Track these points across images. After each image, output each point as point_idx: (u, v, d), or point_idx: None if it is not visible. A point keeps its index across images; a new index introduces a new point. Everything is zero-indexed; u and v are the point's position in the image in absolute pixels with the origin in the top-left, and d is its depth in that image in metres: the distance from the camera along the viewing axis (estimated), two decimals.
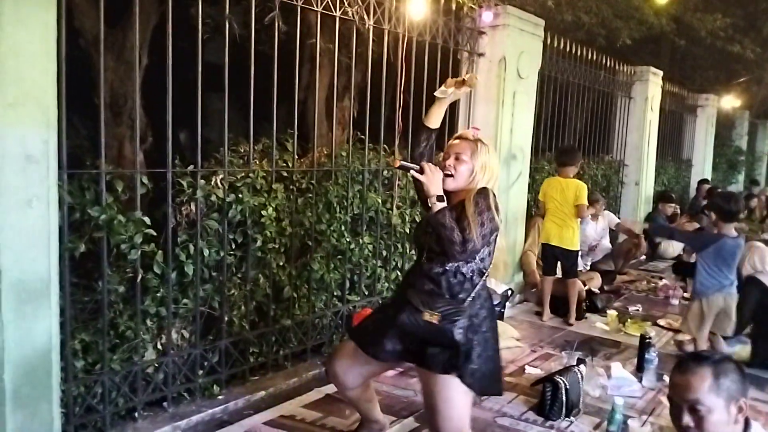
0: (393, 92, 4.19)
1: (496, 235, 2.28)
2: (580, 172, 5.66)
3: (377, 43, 3.96)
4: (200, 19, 2.95)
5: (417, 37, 4.22)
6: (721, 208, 4.14)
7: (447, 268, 2.25)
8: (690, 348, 4.17)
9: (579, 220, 4.95)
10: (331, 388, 3.42)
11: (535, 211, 5.85)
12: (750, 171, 14.67)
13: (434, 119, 2.42)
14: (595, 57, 6.59)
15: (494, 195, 2.28)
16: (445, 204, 2.22)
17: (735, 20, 8.10)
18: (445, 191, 2.27)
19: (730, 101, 10.90)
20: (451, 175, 2.30)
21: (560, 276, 5.08)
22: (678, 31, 8.14)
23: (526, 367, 3.96)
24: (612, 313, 5.15)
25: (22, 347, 2.24)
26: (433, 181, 2.24)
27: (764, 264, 4.22)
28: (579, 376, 3.43)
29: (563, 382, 3.28)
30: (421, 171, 2.26)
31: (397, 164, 2.31)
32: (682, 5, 7.37)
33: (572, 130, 6.95)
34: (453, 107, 4.85)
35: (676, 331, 4.70)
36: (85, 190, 2.63)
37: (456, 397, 2.26)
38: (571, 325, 4.89)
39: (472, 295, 2.27)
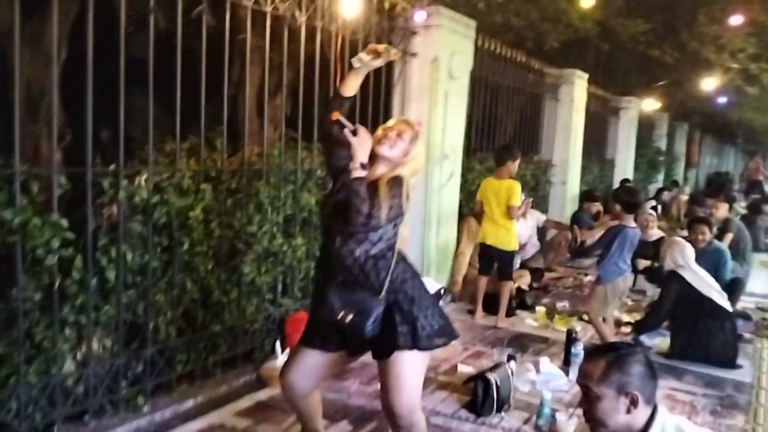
0: (327, 90, 4.14)
1: (400, 221, 2.33)
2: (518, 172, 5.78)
3: (310, 41, 3.89)
4: (123, 10, 2.81)
5: (350, 36, 4.19)
6: (623, 200, 4.46)
7: (356, 255, 2.27)
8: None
9: (513, 220, 5.04)
10: (262, 395, 3.37)
11: (467, 210, 5.94)
12: (668, 171, 15.49)
13: (349, 88, 2.41)
14: (524, 59, 6.76)
15: (407, 185, 2.33)
16: (365, 173, 2.25)
17: (655, 26, 8.48)
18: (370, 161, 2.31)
19: (651, 104, 11.45)
20: (389, 146, 2.33)
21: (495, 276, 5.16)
22: (602, 35, 8.46)
23: (459, 365, 4.01)
24: (540, 309, 5.30)
25: None
26: (363, 146, 2.28)
27: (684, 258, 4.45)
28: (509, 372, 3.51)
29: (494, 379, 3.34)
30: (355, 133, 2.26)
31: (336, 117, 2.28)
32: (605, 11, 7.66)
33: (503, 131, 7.11)
34: (387, 105, 4.85)
35: None
36: None
37: (406, 372, 2.30)
38: (499, 328, 4.97)
39: (390, 273, 2.29)
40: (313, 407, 2.60)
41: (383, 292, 2.25)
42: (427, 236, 5.20)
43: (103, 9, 2.82)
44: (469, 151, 6.15)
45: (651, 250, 6.06)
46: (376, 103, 4.62)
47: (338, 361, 2.49)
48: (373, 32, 4.41)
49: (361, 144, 2.27)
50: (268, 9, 3.50)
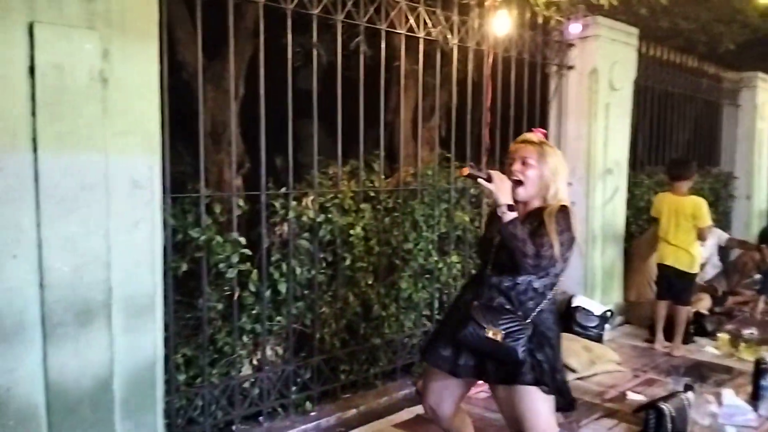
0: (480, 110, 4.17)
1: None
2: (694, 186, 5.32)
3: (462, 62, 3.97)
4: (290, 48, 3.09)
5: (503, 53, 4.20)
6: None
7: (518, 281, 2.18)
8: None
9: (695, 240, 4.60)
10: (421, 409, 3.40)
11: (635, 228, 5.58)
12: None
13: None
14: (696, 64, 6.26)
15: (571, 211, 2.20)
16: (515, 214, 2.13)
17: None
18: (519, 204, 2.21)
19: None
20: (521, 182, 2.21)
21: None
22: None
23: (628, 392, 3.75)
24: (723, 336, 4.78)
25: (129, 359, 2.40)
26: (502, 189, 2.16)
27: None
28: (686, 403, 3.21)
29: (668, 409, 3.08)
30: (489, 179, 2.17)
31: (466, 172, 2.22)
32: None
33: (675, 142, 6.60)
34: (542, 121, 4.76)
35: None
36: (187, 212, 2.81)
37: (541, 406, 2.17)
38: (674, 356, 4.56)
39: (540, 308, 2.19)
40: (463, 427, 2.51)
41: (529, 320, 2.16)
42: (591, 255, 4.96)
43: (273, 48, 3.13)
44: (635, 165, 5.80)
45: None
46: (531, 120, 4.55)
47: (465, 383, 2.37)
48: (526, 48, 4.37)
49: (500, 188, 2.15)
50: (421, 34, 3.64)
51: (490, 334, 2.10)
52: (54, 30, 2.14)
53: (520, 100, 4.42)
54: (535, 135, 2.29)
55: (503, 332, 2.10)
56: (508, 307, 2.18)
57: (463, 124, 4.05)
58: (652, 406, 3.16)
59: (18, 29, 2.07)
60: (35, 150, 2.13)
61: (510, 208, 2.13)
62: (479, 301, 2.20)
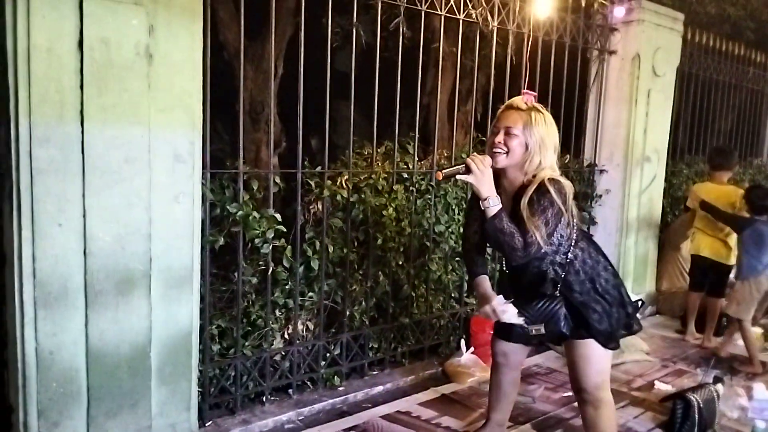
0: (517, 94, 4.12)
1: (568, 218, 2.14)
2: (734, 177, 5.20)
3: (501, 45, 3.93)
4: (330, 29, 3.09)
5: (543, 37, 4.14)
6: None
7: (532, 273, 2.24)
8: None
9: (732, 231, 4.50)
10: (447, 389, 3.45)
11: (671, 218, 5.48)
12: None
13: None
14: (742, 52, 6.06)
15: (557, 181, 2.09)
16: (499, 206, 2.06)
17: None
18: (503, 179, 2.18)
19: None
20: (504, 153, 2.13)
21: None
22: None
23: (656, 382, 3.73)
24: (757, 330, 4.69)
25: (166, 328, 2.49)
26: (483, 180, 2.05)
27: None
28: (715, 395, 3.18)
29: (696, 400, 3.06)
30: (467, 170, 2.07)
31: (440, 177, 2.12)
32: None
33: (716, 131, 6.43)
34: (581, 107, 4.69)
35: None
36: (225, 188, 2.87)
37: (591, 354, 2.28)
38: (705, 348, 4.50)
39: (563, 278, 2.23)
40: (510, 393, 2.70)
41: (558, 292, 2.22)
42: (624, 244, 4.90)
43: (313, 29, 3.14)
44: (674, 154, 5.68)
45: None
46: (569, 106, 4.49)
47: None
48: (568, 32, 4.30)
49: (480, 180, 2.05)
50: (461, 16, 3.61)
51: (533, 332, 2.23)
52: (102, 5, 2.19)
53: (560, 84, 4.35)
54: (523, 99, 2.18)
55: (541, 323, 2.21)
56: (536, 291, 2.24)
57: (499, 108, 4.00)
58: (680, 396, 3.14)
59: (67, 4, 2.13)
60: (82, 122, 2.19)
61: (493, 200, 2.06)
62: (518, 301, 2.26)
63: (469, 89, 4.26)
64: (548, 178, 2.10)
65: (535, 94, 2.23)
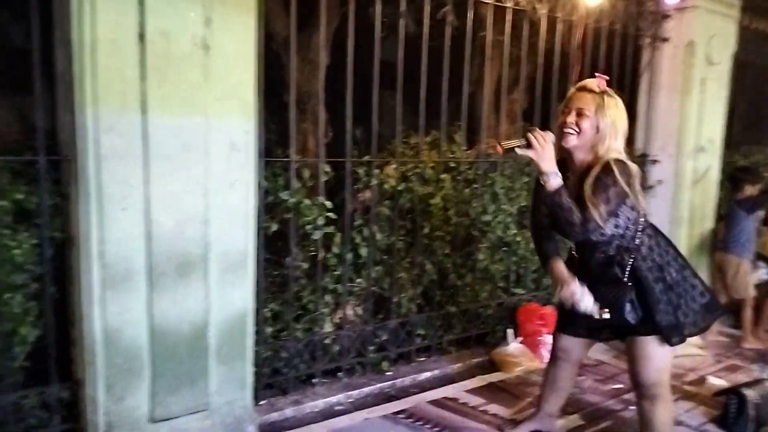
0: (566, 82, 4.08)
1: (633, 201, 2.12)
2: None
3: (550, 33, 3.89)
4: (378, 18, 3.12)
5: (593, 24, 4.08)
6: None
7: (596, 256, 2.22)
8: None
9: None
10: (494, 378, 3.46)
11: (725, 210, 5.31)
12: None
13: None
14: None
15: (623, 162, 2.09)
16: (559, 181, 2.05)
17: None
18: (571, 161, 2.16)
19: None
20: (575, 133, 2.13)
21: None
22: None
23: (709, 377, 3.65)
24: None
25: (223, 310, 2.57)
26: (544, 155, 2.04)
27: None
28: None
29: (751, 395, 2.99)
30: (529, 144, 2.06)
31: (501, 151, 2.10)
32: None
33: None
34: (632, 95, 4.60)
35: None
36: (277, 176, 2.95)
37: (654, 351, 2.26)
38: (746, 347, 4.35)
39: (630, 265, 2.20)
40: (565, 388, 2.70)
41: (626, 278, 2.20)
42: (677, 236, 4.78)
43: (360, 18, 3.18)
44: (730, 144, 5.50)
45: None
46: (620, 95, 4.37)
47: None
48: (619, 18, 4.22)
49: (541, 155, 2.04)
50: (510, 4, 3.59)
51: (600, 316, 2.22)
52: None
53: (610, 72, 4.28)
54: (596, 83, 2.17)
55: (608, 307, 2.21)
56: (602, 277, 2.23)
57: (548, 97, 3.98)
58: (733, 391, 3.07)
59: None
60: (143, 112, 2.28)
61: (554, 175, 2.05)
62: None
63: (516, 78, 4.23)
64: (614, 159, 2.10)
65: (609, 78, 2.22)
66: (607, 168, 2.08)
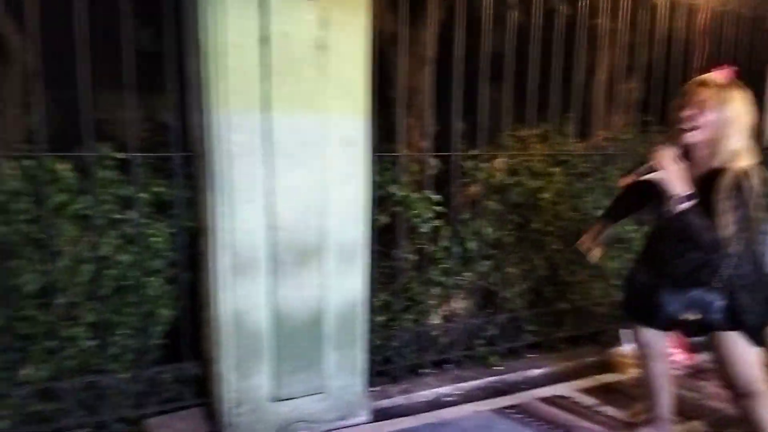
0: (687, 70, 3.86)
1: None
2: None
3: (672, 18, 3.70)
4: (488, 10, 3.11)
5: (719, 8, 3.83)
6: None
7: (696, 261, 2.11)
8: None
9: None
10: (608, 378, 3.35)
11: None
12: None
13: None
14: None
15: (756, 176, 1.95)
16: (693, 202, 1.94)
17: None
18: (688, 159, 2.04)
19: None
20: (695, 129, 2.01)
21: None
22: None
23: None
24: None
25: (338, 298, 2.69)
26: (674, 177, 1.95)
27: None
28: None
29: None
30: (653, 168, 1.97)
31: (624, 183, 2.09)
32: None
33: None
34: (760, 84, 4.26)
35: None
36: (387, 170, 3.03)
37: (742, 348, 2.17)
38: None
39: (728, 271, 2.09)
40: (664, 386, 2.59)
41: (719, 284, 2.11)
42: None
43: (466, 10, 3.18)
44: None
45: None
46: (748, 84, 4.10)
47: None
48: (747, 2, 3.93)
49: (671, 177, 1.96)
50: None
51: (689, 318, 2.21)
52: (284, 3, 2.42)
53: (737, 60, 4.00)
54: (719, 76, 2.03)
55: (698, 312, 2.17)
56: (693, 281, 2.16)
57: (667, 86, 3.79)
58: None
59: (253, 3, 2.36)
60: (266, 111, 2.44)
61: (688, 197, 1.95)
62: (664, 284, 2.24)
63: (630, 67, 4.06)
64: (746, 171, 1.98)
65: (736, 69, 2.08)
66: (738, 183, 1.96)
